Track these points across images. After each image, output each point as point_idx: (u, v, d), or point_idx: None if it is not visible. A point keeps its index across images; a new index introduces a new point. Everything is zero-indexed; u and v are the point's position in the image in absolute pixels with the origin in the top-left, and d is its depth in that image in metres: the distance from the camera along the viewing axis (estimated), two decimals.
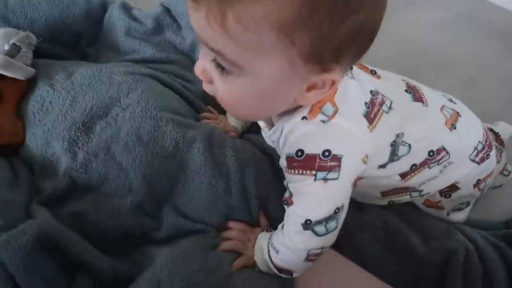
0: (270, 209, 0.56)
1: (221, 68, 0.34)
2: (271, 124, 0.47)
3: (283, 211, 0.55)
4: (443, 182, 0.52)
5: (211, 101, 0.72)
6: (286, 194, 0.43)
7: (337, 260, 0.53)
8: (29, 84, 0.62)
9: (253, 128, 0.69)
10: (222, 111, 0.70)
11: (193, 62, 0.78)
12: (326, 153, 0.38)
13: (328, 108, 0.38)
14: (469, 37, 1.13)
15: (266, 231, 0.52)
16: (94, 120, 0.57)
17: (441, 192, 0.54)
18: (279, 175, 0.58)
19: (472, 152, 0.51)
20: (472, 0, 1.31)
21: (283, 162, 0.41)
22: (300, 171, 0.39)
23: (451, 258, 0.53)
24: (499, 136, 0.65)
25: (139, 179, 0.53)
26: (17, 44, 0.62)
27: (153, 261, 0.48)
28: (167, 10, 0.81)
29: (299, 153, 0.38)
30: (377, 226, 0.56)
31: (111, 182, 0.53)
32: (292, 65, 0.32)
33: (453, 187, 0.53)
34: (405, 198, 0.54)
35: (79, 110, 0.57)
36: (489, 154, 0.53)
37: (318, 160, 0.38)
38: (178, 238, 0.51)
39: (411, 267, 0.53)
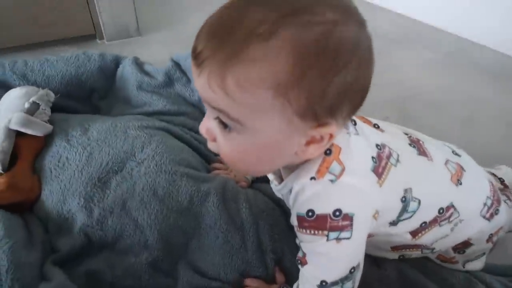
0: (285, 263, 0.55)
1: (223, 125, 0.36)
2: (280, 177, 0.48)
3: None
4: (454, 240, 0.52)
5: None
6: (300, 254, 0.43)
7: None
8: (46, 140, 0.63)
9: (263, 177, 0.70)
10: None
11: (202, 113, 0.81)
12: (337, 213, 0.38)
13: (335, 167, 0.38)
14: (459, 76, 1.18)
15: (282, 287, 0.52)
16: (110, 175, 0.58)
17: (455, 249, 0.53)
18: (292, 226, 0.59)
19: (483, 209, 0.50)
20: (458, 41, 1.40)
21: (294, 221, 0.41)
22: (312, 231, 0.39)
23: None
24: (503, 181, 0.64)
25: (154, 235, 0.53)
26: (37, 102, 0.65)
27: None
28: (177, 65, 0.85)
29: (310, 213, 0.38)
30: (394, 279, 0.54)
31: (126, 238, 0.53)
32: (289, 122, 0.34)
33: (466, 244, 0.53)
34: (416, 253, 0.54)
35: (95, 165, 0.58)
36: (498, 209, 0.52)
37: (329, 220, 0.38)
38: None
39: None
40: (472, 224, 0.50)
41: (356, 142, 0.41)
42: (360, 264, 0.42)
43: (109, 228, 0.53)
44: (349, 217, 0.38)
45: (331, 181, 0.38)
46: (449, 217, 0.48)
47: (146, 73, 0.83)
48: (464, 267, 0.57)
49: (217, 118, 0.36)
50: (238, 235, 0.54)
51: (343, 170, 0.39)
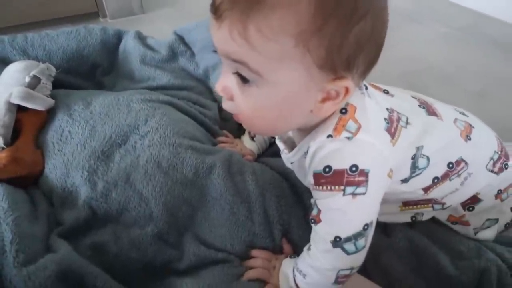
0: (292, 235, 0.54)
1: (242, 80, 0.36)
2: (290, 147, 0.48)
3: (306, 236, 0.54)
4: (464, 194, 0.52)
5: (226, 126, 0.72)
6: (314, 212, 0.43)
7: (364, 285, 0.51)
8: (49, 115, 0.62)
9: (269, 151, 0.69)
10: (237, 136, 0.71)
11: (207, 87, 0.79)
12: (353, 168, 0.38)
13: (351, 125, 0.39)
14: (473, 51, 1.14)
15: (290, 257, 0.51)
16: (113, 149, 0.56)
17: (464, 206, 0.53)
18: (299, 199, 0.58)
19: (489, 162, 0.51)
20: (473, 15, 1.34)
21: (310, 179, 0.42)
22: (329, 187, 0.39)
23: (483, 278, 0.51)
24: None
25: (159, 207, 0.52)
26: (37, 75, 0.63)
27: None
28: (180, 38, 0.82)
29: (327, 169, 0.39)
30: (404, 248, 0.54)
31: (131, 211, 0.52)
32: (308, 73, 0.34)
33: (475, 199, 0.53)
34: (428, 210, 0.53)
35: (98, 139, 0.57)
36: (507, 164, 0.53)
37: (346, 175, 0.38)
38: (201, 269, 0.50)
39: None
40: (479, 179, 0.51)
41: (369, 103, 0.42)
42: (373, 222, 0.42)
43: (113, 200, 0.52)
44: (364, 173, 0.39)
45: (348, 138, 0.39)
46: (459, 170, 0.48)
47: (149, 47, 0.81)
48: (475, 236, 0.56)
49: (236, 72, 0.36)
50: (244, 207, 0.53)
51: (359, 128, 0.39)
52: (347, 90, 0.36)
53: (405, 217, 0.55)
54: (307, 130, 0.42)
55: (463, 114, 0.53)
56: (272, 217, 0.53)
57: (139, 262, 0.50)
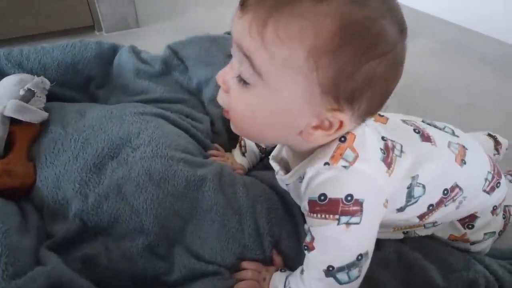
0: (283, 246, 0.55)
1: (242, 82, 0.36)
2: (284, 168, 0.48)
3: (296, 248, 0.54)
4: (458, 215, 0.52)
5: (218, 140, 0.73)
6: (307, 239, 0.43)
7: None
8: (42, 127, 0.63)
9: (259, 165, 0.69)
10: (229, 150, 0.71)
11: (200, 101, 0.81)
12: (349, 198, 0.38)
13: (349, 154, 0.39)
14: (459, 65, 1.17)
15: (281, 270, 0.51)
16: (105, 161, 0.57)
17: (463, 224, 0.54)
18: (290, 212, 0.58)
19: (484, 184, 0.51)
20: (459, 31, 1.38)
21: (305, 206, 0.41)
22: (323, 215, 0.39)
23: None
24: (496, 138, 0.69)
25: (150, 219, 0.52)
26: (32, 89, 0.64)
27: None
28: (174, 52, 0.84)
29: (322, 197, 0.39)
30: (394, 262, 0.54)
31: (122, 223, 0.52)
32: (309, 92, 0.34)
33: (472, 217, 0.53)
34: (419, 229, 0.54)
35: (91, 151, 0.58)
36: (499, 182, 0.53)
37: (341, 204, 0.38)
38: (191, 281, 0.50)
39: None
40: (475, 200, 0.51)
41: (367, 133, 0.42)
42: (368, 253, 0.42)
43: (104, 213, 0.53)
44: (359, 203, 0.38)
45: (345, 167, 0.39)
46: (454, 196, 0.48)
47: (143, 61, 0.82)
48: (472, 247, 0.57)
49: (238, 76, 0.36)
50: (235, 219, 0.53)
51: (356, 157, 0.39)
52: (341, 125, 0.36)
53: (397, 235, 0.55)
54: (303, 155, 0.42)
55: (454, 134, 0.52)
56: (262, 229, 0.54)
57: (129, 274, 0.50)
